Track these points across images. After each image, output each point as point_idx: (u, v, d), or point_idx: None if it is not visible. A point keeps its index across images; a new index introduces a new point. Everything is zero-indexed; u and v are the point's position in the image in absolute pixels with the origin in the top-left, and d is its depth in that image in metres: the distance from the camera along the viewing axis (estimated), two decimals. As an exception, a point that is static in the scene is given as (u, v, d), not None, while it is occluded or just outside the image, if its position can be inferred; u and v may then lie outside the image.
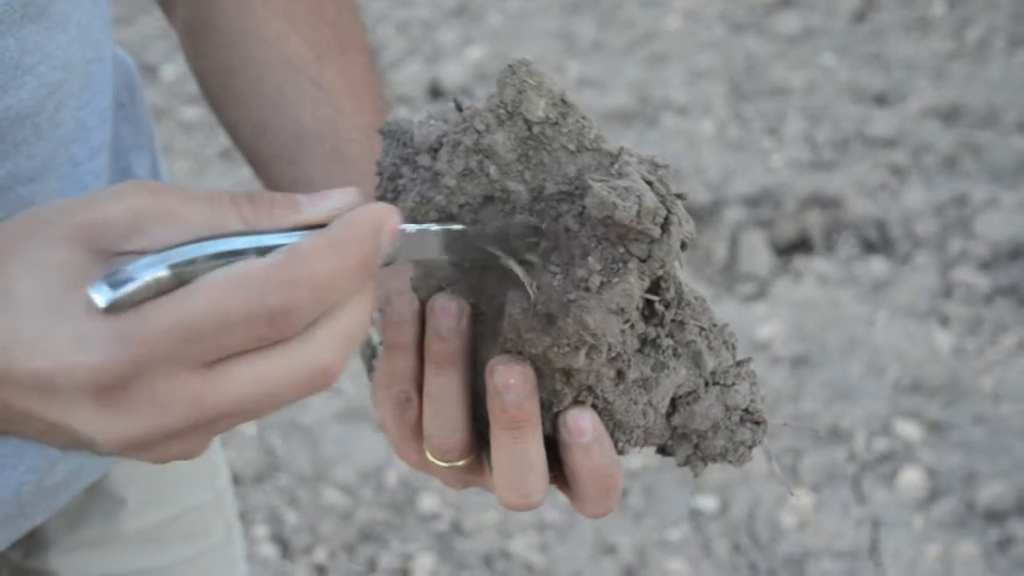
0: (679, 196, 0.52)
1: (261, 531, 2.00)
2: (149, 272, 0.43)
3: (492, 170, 0.52)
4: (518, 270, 0.50)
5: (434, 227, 0.51)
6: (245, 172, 2.72)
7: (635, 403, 0.54)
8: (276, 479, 2.10)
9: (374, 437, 2.17)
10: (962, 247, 2.57)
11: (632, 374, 0.53)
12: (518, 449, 0.53)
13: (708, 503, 2.02)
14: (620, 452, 0.55)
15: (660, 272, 0.51)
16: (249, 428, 2.20)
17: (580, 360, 0.51)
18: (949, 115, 3.03)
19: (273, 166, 0.71)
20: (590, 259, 0.50)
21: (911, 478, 2.04)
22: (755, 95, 3.18)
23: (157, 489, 0.87)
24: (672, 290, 0.54)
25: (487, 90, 3.39)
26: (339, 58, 0.73)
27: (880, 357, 2.31)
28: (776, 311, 2.43)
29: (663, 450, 0.57)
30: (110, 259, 0.44)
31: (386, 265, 0.48)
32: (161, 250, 0.43)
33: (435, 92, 3.25)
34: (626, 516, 2.00)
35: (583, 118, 0.52)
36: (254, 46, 0.73)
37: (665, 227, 0.50)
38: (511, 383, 0.51)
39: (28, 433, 0.46)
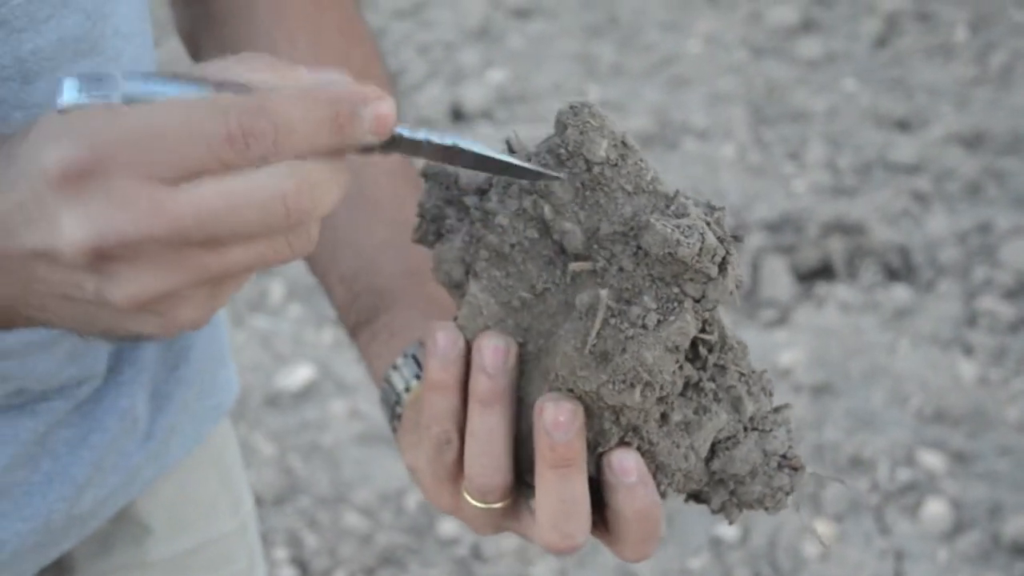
0: (736, 238, 0.52)
1: (281, 554, 2.00)
2: (103, 94, 0.45)
3: (546, 210, 0.52)
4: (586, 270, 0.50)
5: (436, 139, 0.49)
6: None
7: (678, 446, 0.54)
8: (296, 501, 2.10)
9: (394, 460, 2.16)
10: (986, 275, 2.56)
11: (676, 416, 0.54)
12: (564, 489, 0.53)
13: (729, 531, 2.00)
14: (661, 495, 0.55)
15: (709, 314, 0.52)
16: (269, 449, 2.20)
17: (635, 398, 0.51)
18: (972, 141, 3.02)
19: None
20: (645, 297, 0.51)
21: (935, 509, 2.02)
22: (776, 120, 3.17)
23: (182, 517, 0.86)
24: (716, 334, 0.54)
25: (508, 113, 3.39)
26: None
27: (903, 386, 2.29)
28: (798, 338, 2.42)
29: (696, 497, 0.57)
30: None
31: (377, 151, 0.48)
32: (134, 76, 0.45)
33: (456, 115, 3.26)
34: (646, 543, 1.99)
35: (641, 160, 0.53)
36: None
37: (723, 268, 0.51)
38: (561, 420, 0.51)
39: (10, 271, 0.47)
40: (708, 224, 0.51)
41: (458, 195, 0.54)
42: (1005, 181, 2.87)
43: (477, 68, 3.45)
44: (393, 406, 0.64)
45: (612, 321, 0.51)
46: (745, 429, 0.55)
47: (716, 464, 0.55)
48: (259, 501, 2.07)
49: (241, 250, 0.45)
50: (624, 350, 0.50)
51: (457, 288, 0.55)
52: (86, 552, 0.82)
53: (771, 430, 0.56)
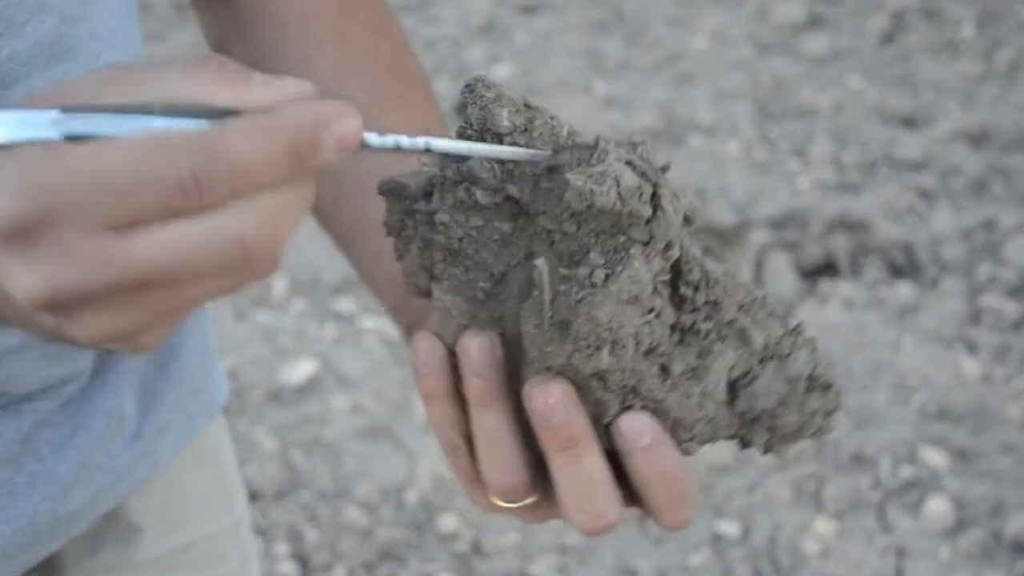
0: (663, 168, 0.49)
1: (281, 548, 2.00)
2: (42, 132, 0.42)
3: (479, 194, 0.50)
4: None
5: (406, 142, 0.47)
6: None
7: (688, 396, 0.51)
8: (297, 496, 2.10)
9: (395, 455, 2.17)
10: (990, 272, 2.55)
11: (677, 367, 0.51)
12: (579, 470, 0.51)
13: (730, 528, 2.00)
14: (687, 452, 0.52)
15: (670, 252, 0.49)
16: (271, 444, 2.20)
17: (604, 359, 0.48)
18: (978, 138, 3.01)
19: (333, 213, 0.71)
20: (591, 255, 0.48)
21: (937, 507, 2.02)
22: (782, 116, 3.16)
23: (174, 516, 0.86)
24: (696, 271, 0.51)
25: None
26: (397, 100, 0.73)
27: (906, 383, 2.29)
28: (801, 335, 2.42)
29: (742, 442, 0.54)
30: None
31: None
32: (75, 110, 0.42)
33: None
34: (647, 540, 1.99)
35: (551, 118, 0.51)
36: None
37: (656, 203, 0.48)
38: (551, 403, 0.49)
39: None
40: (632, 163, 0.48)
41: (411, 204, 0.52)
42: (1011, 178, 2.86)
43: (483, 64, 3.45)
44: None
45: (563, 288, 0.48)
46: (760, 360, 0.52)
47: (741, 404, 0.52)
48: (260, 496, 2.08)
49: (201, 287, 0.44)
50: (578, 314, 0.48)
51: (428, 296, 0.54)
52: (75, 552, 0.81)
53: (790, 353, 0.52)
